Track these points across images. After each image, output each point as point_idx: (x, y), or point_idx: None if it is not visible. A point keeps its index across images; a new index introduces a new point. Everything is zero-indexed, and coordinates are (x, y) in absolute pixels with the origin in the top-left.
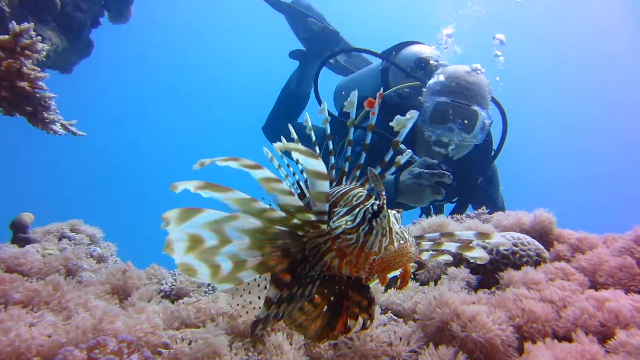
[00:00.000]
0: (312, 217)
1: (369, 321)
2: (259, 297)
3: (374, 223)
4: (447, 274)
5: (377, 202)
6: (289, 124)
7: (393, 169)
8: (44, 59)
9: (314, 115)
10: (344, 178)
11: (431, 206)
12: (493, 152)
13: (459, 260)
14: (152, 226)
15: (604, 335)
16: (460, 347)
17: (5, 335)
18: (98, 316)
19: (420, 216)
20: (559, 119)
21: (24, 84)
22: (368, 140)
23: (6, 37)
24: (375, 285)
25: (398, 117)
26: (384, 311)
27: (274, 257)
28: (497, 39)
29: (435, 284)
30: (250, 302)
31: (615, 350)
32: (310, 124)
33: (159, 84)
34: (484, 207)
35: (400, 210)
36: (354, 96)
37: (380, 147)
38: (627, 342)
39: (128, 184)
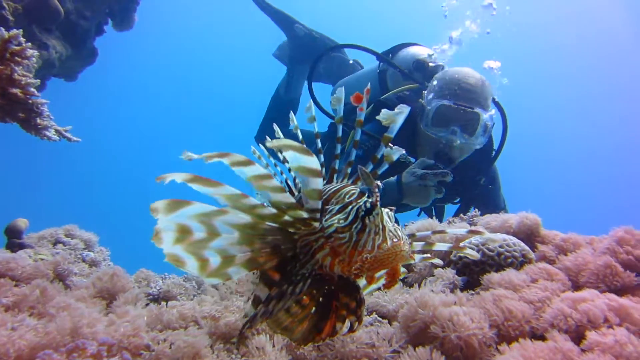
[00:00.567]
0: (304, 215)
1: (356, 323)
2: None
3: (366, 221)
4: (434, 276)
5: (370, 200)
6: (274, 125)
7: (385, 166)
8: (35, 65)
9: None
10: (335, 176)
11: (433, 207)
12: (494, 153)
13: (448, 261)
14: (149, 230)
15: (580, 335)
16: (440, 348)
17: None
18: (77, 320)
19: (418, 215)
20: (559, 119)
21: (16, 91)
22: (357, 137)
23: None
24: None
25: (386, 110)
26: (369, 312)
27: (263, 254)
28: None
29: (419, 286)
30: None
31: (590, 348)
32: (296, 123)
33: (161, 90)
34: (476, 210)
35: (393, 208)
36: (340, 93)
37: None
38: (601, 341)
39: (127, 190)
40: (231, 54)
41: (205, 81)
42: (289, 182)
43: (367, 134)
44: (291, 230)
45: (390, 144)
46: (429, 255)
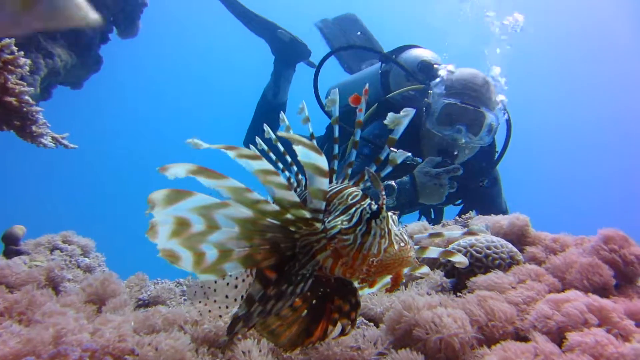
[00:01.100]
0: (307, 214)
1: (349, 327)
2: (226, 297)
3: (372, 224)
4: (422, 278)
5: (375, 203)
6: (264, 125)
7: (389, 169)
8: (28, 74)
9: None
10: (334, 177)
11: (432, 209)
12: (497, 155)
13: (438, 264)
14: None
15: (562, 336)
16: (423, 349)
17: None
18: (62, 326)
19: (419, 219)
20: (558, 121)
21: (10, 99)
22: (357, 137)
23: None
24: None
25: (392, 114)
26: None
27: (261, 251)
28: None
29: (406, 287)
30: (220, 305)
31: (571, 349)
32: (287, 123)
33: (165, 96)
34: (473, 212)
35: (396, 212)
36: (334, 94)
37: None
38: (582, 342)
39: (129, 195)
40: (237, 60)
41: (209, 87)
42: (292, 180)
43: (366, 140)
44: (292, 228)
45: (393, 148)
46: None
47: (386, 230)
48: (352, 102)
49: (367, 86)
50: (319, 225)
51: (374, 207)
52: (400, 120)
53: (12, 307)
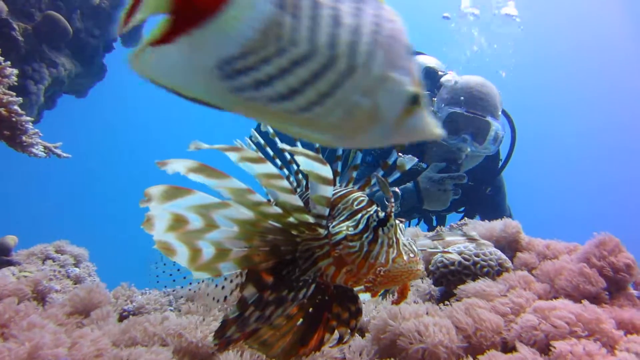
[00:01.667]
0: (311, 220)
1: (347, 335)
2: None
3: (379, 232)
4: (412, 286)
5: (382, 210)
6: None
7: (397, 174)
8: (16, 83)
9: None
10: (337, 179)
11: (434, 216)
12: (501, 163)
13: (427, 272)
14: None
15: (549, 346)
16: (406, 359)
17: None
18: (38, 340)
19: (417, 225)
20: (559, 124)
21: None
22: None
23: None
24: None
25: None
26: None
27: (260, 253)
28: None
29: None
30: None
31: (557, 359)
32: None
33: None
34: (465, 219)
35: (403, 220)
36: None
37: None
38: (568, 351)
39: (131, 204)
40: None
41: None
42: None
43: (368, 151)
44: (294, 232)
45: (400, 154)
46: None
47: (394, 239)
48: None
49: None
50: (322, 231)
51: (381, 214)
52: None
53: None
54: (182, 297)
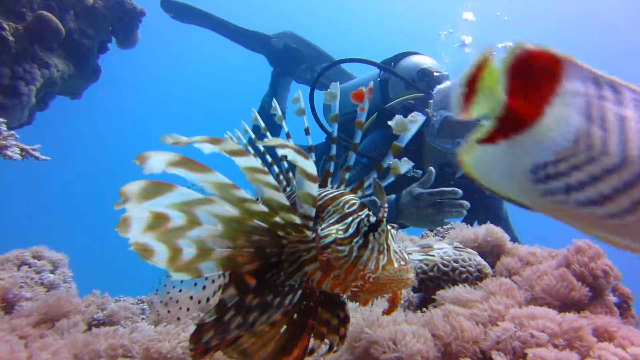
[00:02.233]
0: (298, 220)
1: (337, 343)
2: (191, 297)
3: (370, 237)
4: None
5: (374, 215)
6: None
7: (391, 178)
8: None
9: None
10: (329, 180)
11: None
12: None
13: None
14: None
15: (525, 354)
16: None
17: None
18: None
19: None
20: None
21: None
22: (358, 139)
23: None
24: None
25: (399, 117)
26: None
27: (244, 254)
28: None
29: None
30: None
31: None
32: (280, 113)
33: (163, 106)
34: (451, 223)
35: (395, 225)
36: (335, 88)
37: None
38: (545, 357)
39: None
40: (238, 70)
41: (209, 96)
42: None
43: (363, 154)
44: (281, 233)
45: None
46: None
47: (385, 245)
48: (354, 97)
49: (371, 84)
50: (309, 233)
51: (373, 219)
52: (407, 125)
53: None
54: (160, 302)
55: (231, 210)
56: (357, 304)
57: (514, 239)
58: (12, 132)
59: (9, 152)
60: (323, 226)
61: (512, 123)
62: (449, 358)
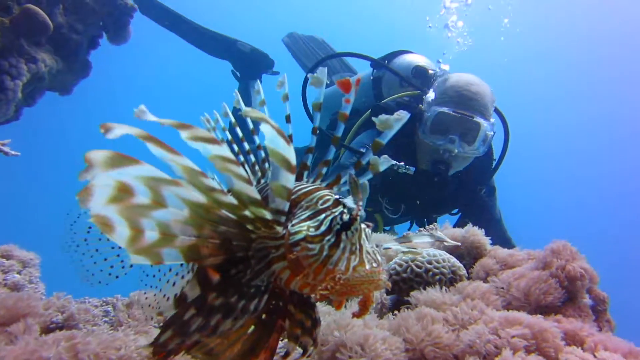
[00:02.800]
0: (268, 216)
1: (312, 347)
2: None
3: (342, 236)
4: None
5: (348, 212)
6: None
7: (369, 175)
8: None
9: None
10: (305, 173)
11: (425, 219)
12: (494, 163)
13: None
14: None
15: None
16: None
17: None
18: None
19: (409, 229)
20: (559, 126)
21: None
22: (340, 133)
23: None
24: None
25: (383, 115)
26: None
27: (210, 245)
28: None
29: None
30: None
31: None
32: (262, 97)
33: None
34: (440, 224)
35: (370, 224)
36: (322, 73)
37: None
38: None
39: None
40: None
41: (201, 92)
42: (257, 167)
43: (352, 150)
44: (249, 227)
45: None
46: None
47: (357, 245)
48: (340, 85)
49: (359, 76)
50: (279, 229)
51: (346, 217)
52: (390, 123)
53: None
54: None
55: (199, 197)
56: (329, 305)
57: (506, 240)
58: None
59: None
60: (294, 222)
61: None
62: None
